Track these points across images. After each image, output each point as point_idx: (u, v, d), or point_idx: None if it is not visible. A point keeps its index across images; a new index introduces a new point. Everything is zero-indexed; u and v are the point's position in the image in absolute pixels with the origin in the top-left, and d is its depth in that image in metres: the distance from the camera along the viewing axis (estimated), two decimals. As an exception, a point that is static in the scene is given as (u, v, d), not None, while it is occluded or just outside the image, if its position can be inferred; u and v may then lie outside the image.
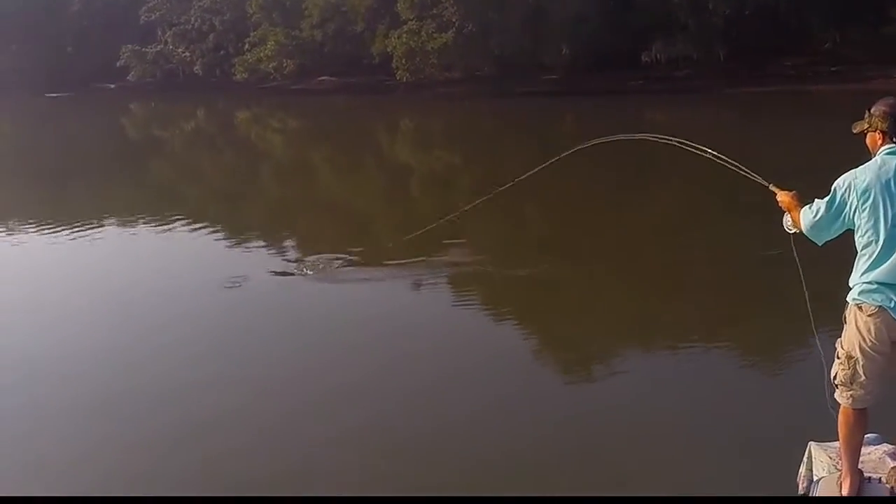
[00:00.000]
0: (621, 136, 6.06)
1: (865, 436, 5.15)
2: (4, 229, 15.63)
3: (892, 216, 4.51)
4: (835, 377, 4.79)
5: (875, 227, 4.54)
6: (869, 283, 4.54)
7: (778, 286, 8.52)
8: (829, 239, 4.74)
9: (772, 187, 5.17)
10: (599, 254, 11.49)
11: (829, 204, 4.62)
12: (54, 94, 50.57)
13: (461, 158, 23.28)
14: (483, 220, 12.23)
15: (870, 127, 4.66)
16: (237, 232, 13.89)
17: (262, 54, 47.90)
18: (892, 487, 4.88)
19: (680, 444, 6.32)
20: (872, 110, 4.64)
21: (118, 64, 55.43)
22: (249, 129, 36.47)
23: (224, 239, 13.79)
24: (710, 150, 5.75)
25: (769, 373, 7.86)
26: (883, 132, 4.57)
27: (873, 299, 4.52)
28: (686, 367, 7.72)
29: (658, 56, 36.11)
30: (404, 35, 39.90)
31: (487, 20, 38.00)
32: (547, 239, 12.70)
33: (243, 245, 13.09)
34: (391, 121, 34.05)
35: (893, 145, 4.56)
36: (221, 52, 51.91)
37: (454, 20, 38.74)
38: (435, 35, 39.00)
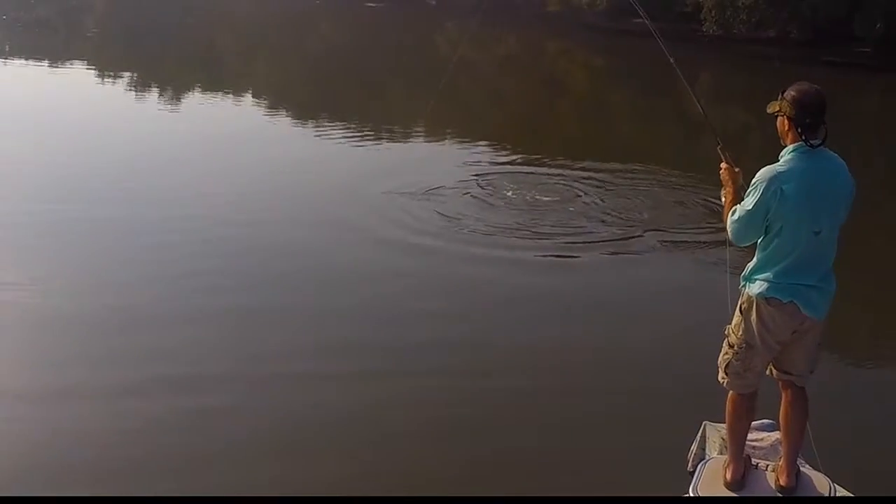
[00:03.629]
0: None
1: (761, 422, 5.53)
2: (315, 125, 18.63)
3: (812, 222, 4.67)
4: (726, 365, 4.99)
5: (796, 232, 4.69)
6: (783, 280, 4.73)
7: None
8: (751, 240, 4.87)
9: (720, 150, 5.23)
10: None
11: (757, 203, 4.69)
12: (373, 4, 53.65)
13: (755, 118, 23.30)
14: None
15: (779, 110, 4.75)
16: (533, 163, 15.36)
17: None
18: (776, 479, 5.04)
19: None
20: (784, 94, 4.73)
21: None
22: (556, 61, 38.06)
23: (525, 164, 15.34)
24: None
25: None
26: (790, 118, 4.69)
27: (787, 295, 4.73)
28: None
29: None
30: (716, -14, 39.15)
31: (802, -21, 36.91)
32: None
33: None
34: (693, 72, 34.25)
35: (802, 144, 4.68)
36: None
37: (766, -25, 37.80)
38: (747, -10, 38.23)
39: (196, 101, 22.80)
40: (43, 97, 21.41)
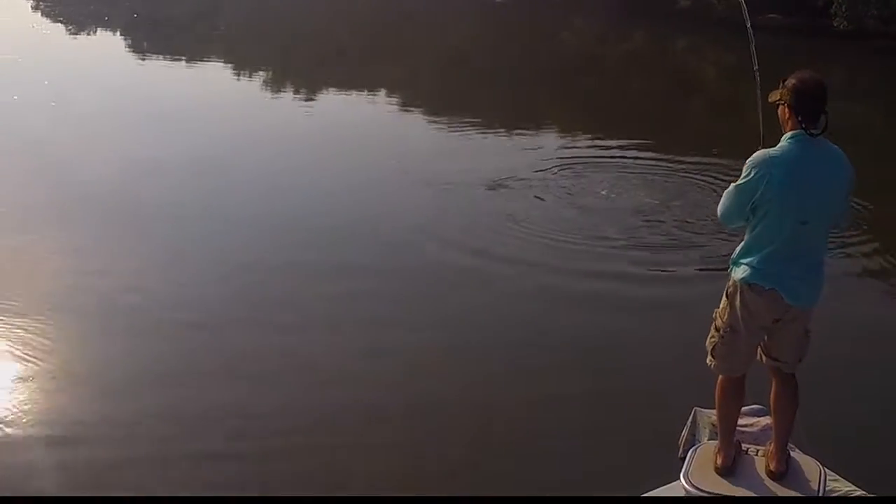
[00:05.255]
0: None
1: (751, 407, 5.61)
2: (447, 121, 19.27)
3: (799, 212, 4.71)
4: (713, 348, 5.10)
5: (781, 219, 4.73)
6: (766, 267, 4.79)
7: None
8: (735, 222, 4.95)
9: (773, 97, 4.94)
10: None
11: (743, 185, 4.77)
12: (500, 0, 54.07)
13: (882, 115, 23.26)
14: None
15: (780, 99, 4.81)
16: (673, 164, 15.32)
17: None
18: (767, 464, 5.11)
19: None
20: (786, 82, 4.80)
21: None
22: (686, 58, 37.93)
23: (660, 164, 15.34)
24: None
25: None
26: (790, 106, 4.74)
27: (768, 282, 4.79)
28: None
29: None
30: (847, -20, 38.21)
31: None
32: None
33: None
34: (824, 68, 33.64)
35: (801, 132, 4.72)
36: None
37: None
38: (880, -16, 37.20)
39: (330, 98, 23.70)
40: (183, 94, 22.66)
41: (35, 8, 46.10)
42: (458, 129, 18.69)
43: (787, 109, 4.77)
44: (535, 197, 13.11)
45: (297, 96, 23.53)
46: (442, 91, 25.25)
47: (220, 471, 6.42)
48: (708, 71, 34.68)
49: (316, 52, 32.63)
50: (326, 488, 6.21)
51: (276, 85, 25.47)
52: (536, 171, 14.53)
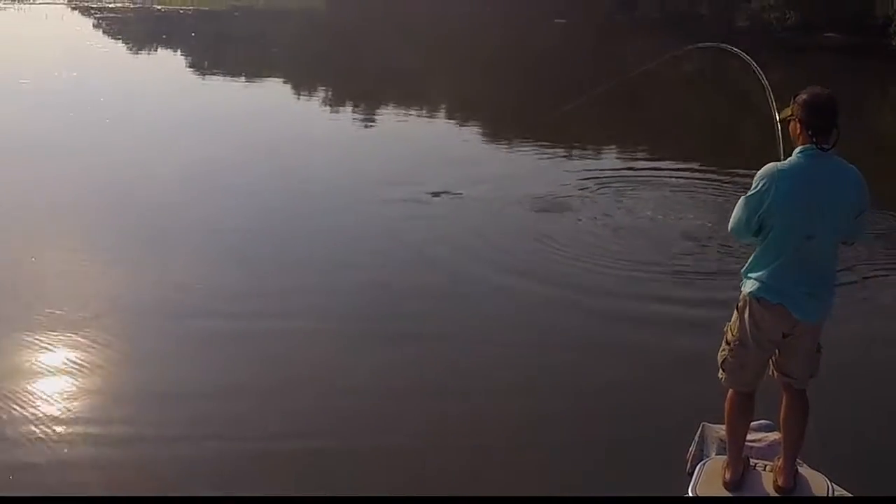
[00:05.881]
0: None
1: (758, 422, 5.58)
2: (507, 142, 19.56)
3: (804, 226, 4.74)
4: (723, 362, 5.13)
5: (787, 233, 4.78)
6: (773, 282, 4.83)
7: None
8: (744, 235, 4.96)
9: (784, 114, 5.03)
10: None
11: (751, 197, 4.83)
12: (562, 20, 54.31)
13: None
14: None
15: (792, 115, 4.85)
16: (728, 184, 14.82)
17: (765, 3, 47.80)
18: (774, 479, 5.14)
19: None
20: (797, 98, 4.84)
21: (625, -2, 56.89)
22: (744, 77, 37.58)
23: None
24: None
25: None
26: (801, 121, 4.77)
27: (776, 297, 4.83)
28: None
29: None
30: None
31: None
32: None
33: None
34: (883, 86, 33.78)
35: (811, 146, 4.75)
36: (729, -3, 51.46)
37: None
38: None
39: (390, 116, 23.87)
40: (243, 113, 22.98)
41: (96, 26, 47.23)
42: (518, 146, 19.01)
43: (797, 125, 4.80)
44: (578, 220, 12.87)
45: (356, 113, 23.93)
46: (498, 106, 25.53)
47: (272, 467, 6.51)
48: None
49: (375, 67, 32.98)
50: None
51: (337, 102, 25.93)
52: (587, 188, 14.63)
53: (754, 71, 6.53)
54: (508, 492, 6.11)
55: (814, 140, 4.71)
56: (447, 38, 47.38)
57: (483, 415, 7.32)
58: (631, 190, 14.56)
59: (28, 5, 58.83)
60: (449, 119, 23.51)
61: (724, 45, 7.22)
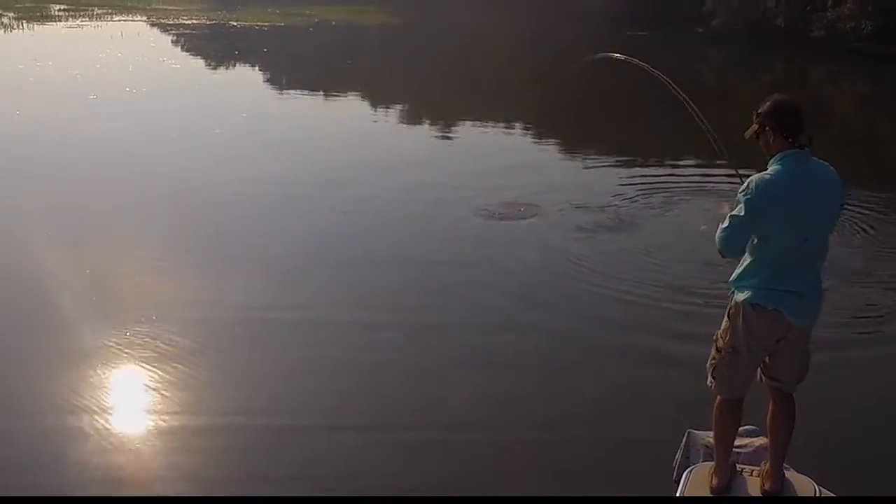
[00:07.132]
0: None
1: (745, 427, 5.57)
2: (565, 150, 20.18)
3: (800, 229, 4.78)
4: (713, 370, 5.15)
5: (783, 238, 4.80)
6: (767, 287, 4.87)
7: None
8: (738, 249, 4.96)
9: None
10: None
11: (747, 210, 4.78)
12: (634, 32, 54.31)
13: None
14: None
15: (760, 127, 4.88)
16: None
17: (841, 12, 47.46)
18: (762, 483, 5.18)
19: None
20: (759, 111, 4.89)
21: (703, 9, 57.04)
22: (820, 87, 37.43)
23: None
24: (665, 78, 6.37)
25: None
26: (773, 128, 4.80)
27: (771, 302, 4.86)
28: None
29: None
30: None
31: None
32: None
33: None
34: None
35: (796, 150, 4.79)
36: (808, 7, 51.15)
37: None
38: None
39: (468, 131, 24.02)
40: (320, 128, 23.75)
41: (175, 43, 48.45)
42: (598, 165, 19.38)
43: (770, 133, 4.83)
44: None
45: (433, 128, 24.28)
46: (574, 122, 25.77)
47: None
48: (841, 100, 34.49)
49: (448, 82, 33.42)
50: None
51: (413, 117, 26.24)
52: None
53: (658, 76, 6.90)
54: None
55: (790, 140, 4.79)
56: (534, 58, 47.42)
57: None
58: (679, 199, 15.28)
59: (106, 22, 60.27)
60: (554, 140, 23.24)
61: (616, 55, 7.52)
